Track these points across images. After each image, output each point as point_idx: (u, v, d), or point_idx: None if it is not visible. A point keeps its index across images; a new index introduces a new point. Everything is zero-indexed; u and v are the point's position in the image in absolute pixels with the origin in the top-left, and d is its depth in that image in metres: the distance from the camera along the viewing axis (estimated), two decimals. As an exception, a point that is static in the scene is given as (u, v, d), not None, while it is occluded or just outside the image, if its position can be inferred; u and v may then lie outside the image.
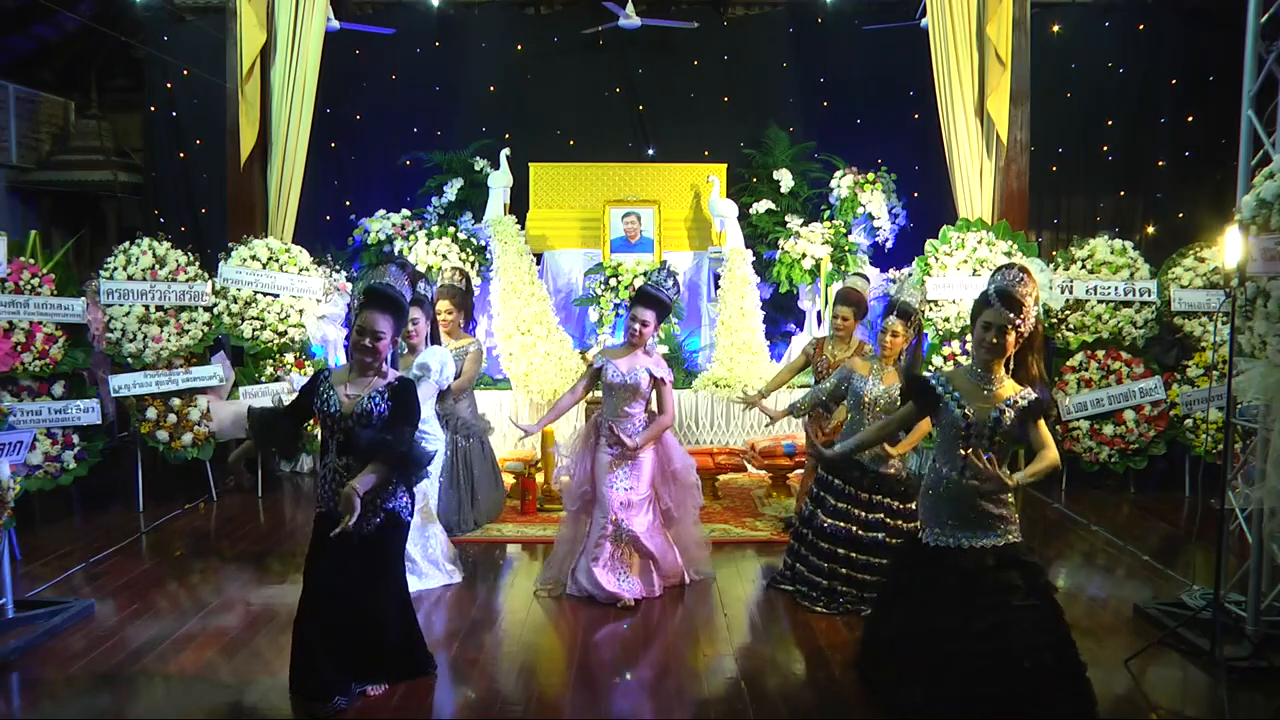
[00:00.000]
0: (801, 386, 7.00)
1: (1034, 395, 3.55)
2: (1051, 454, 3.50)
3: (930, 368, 6.69)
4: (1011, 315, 3.46)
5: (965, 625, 3.42)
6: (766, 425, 6.90)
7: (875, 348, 5.18)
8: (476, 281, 8.34)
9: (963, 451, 3.48)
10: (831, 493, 4.83)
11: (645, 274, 5.05)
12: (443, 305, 6.04)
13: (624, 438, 4.83)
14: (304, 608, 3.71)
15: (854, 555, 4.72)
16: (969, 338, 4.14)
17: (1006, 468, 3.60)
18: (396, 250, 8.39)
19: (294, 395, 4.12)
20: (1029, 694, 3.36)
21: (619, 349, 5.00)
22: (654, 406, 5.03)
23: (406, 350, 5.24)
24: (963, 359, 7.19)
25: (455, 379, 5.65)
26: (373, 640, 3.76)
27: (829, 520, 4.78)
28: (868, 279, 6.32)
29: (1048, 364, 7.50)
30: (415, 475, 3.78)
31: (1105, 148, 9.41)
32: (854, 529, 4.74)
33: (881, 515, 4.74)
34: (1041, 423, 3.58)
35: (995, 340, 3.48)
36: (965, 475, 3.50)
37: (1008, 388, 3.55)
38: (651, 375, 4.88)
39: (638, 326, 4.88)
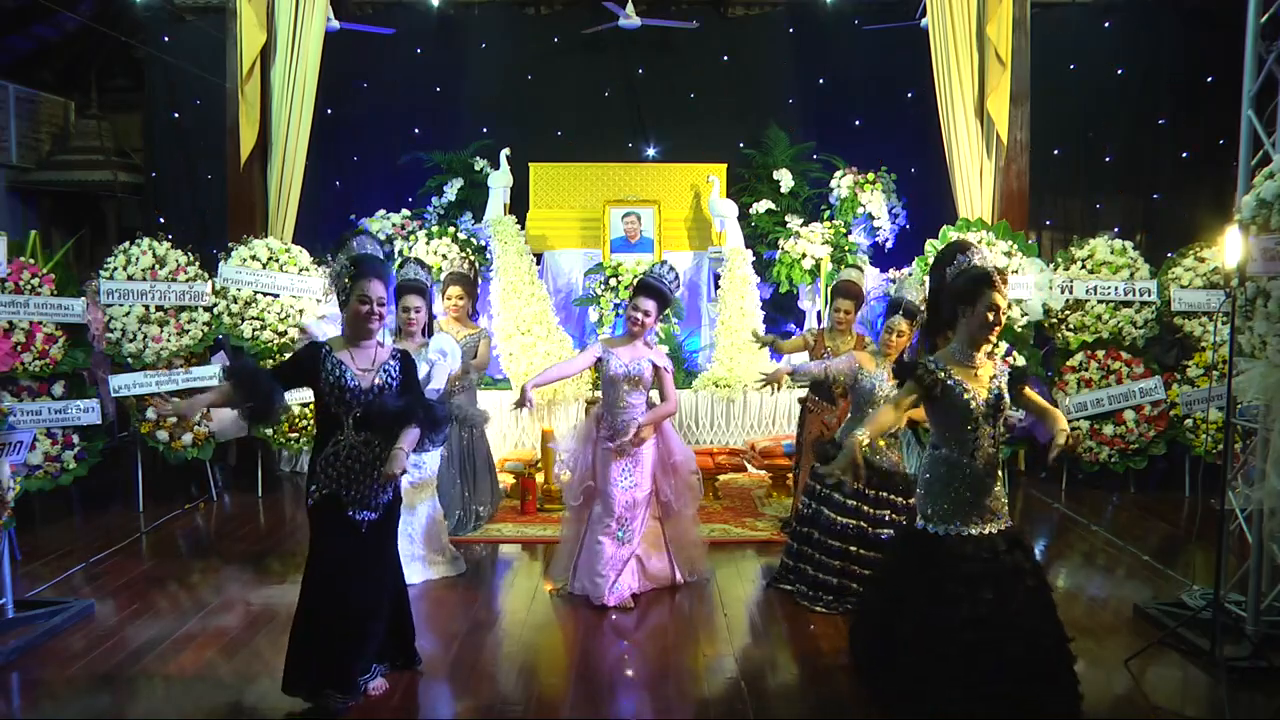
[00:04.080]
0: None
1: (1006, 366, 3.61)
2: (1058, 411, 3.66)
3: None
4: (1005, 293, 3.51)
5: (982, 614, 3.38)
6: (780, 389, 6.60)
7: (876, 344, 5.17)
8: (476, 282, 8.36)
9: (1060, 445, 3.44)
10: (840, 490, 4.79)
11: (654, 266, 5.04)
12: (455, 290, 6.12)
13: (631, 426, 4.82)
14: (315, 598, 3.66)
15: (864, 552, 4.70)
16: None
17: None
18: (397, 250, 8.39)
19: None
20: (1028, 679, 3.36)
21: (619, 339, 4.99)
22: (654, 398, 5.03)
23: (402, 337, 5.25)
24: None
25: (473, 361, 5.87)
26: (378, 622, 3.76)
27: (839, 518, 4.75)
28: (862, 270, 6.34)
29: (1047, 363, 7.51)
30: (440, 434, 3.83)
31: (1105, 148, 9.41)
32: (865, 526, 4.73)
33: (888, 512, 4.74)
34: (1028, 388, 3.64)
35: (1002, 319, 3.51)
36: (977, 461, 3.50)
37: (989, 365, 3.57)
38: (654, 365, 4.90)
39: (640, 316, 4.87)
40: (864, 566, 4.69)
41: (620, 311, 8.11)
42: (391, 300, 4.49)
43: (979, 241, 7.45)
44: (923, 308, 4.98)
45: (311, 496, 3.66)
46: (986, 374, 3.54)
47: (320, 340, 3.78)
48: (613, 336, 5.10)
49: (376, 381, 3.65)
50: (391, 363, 3.73)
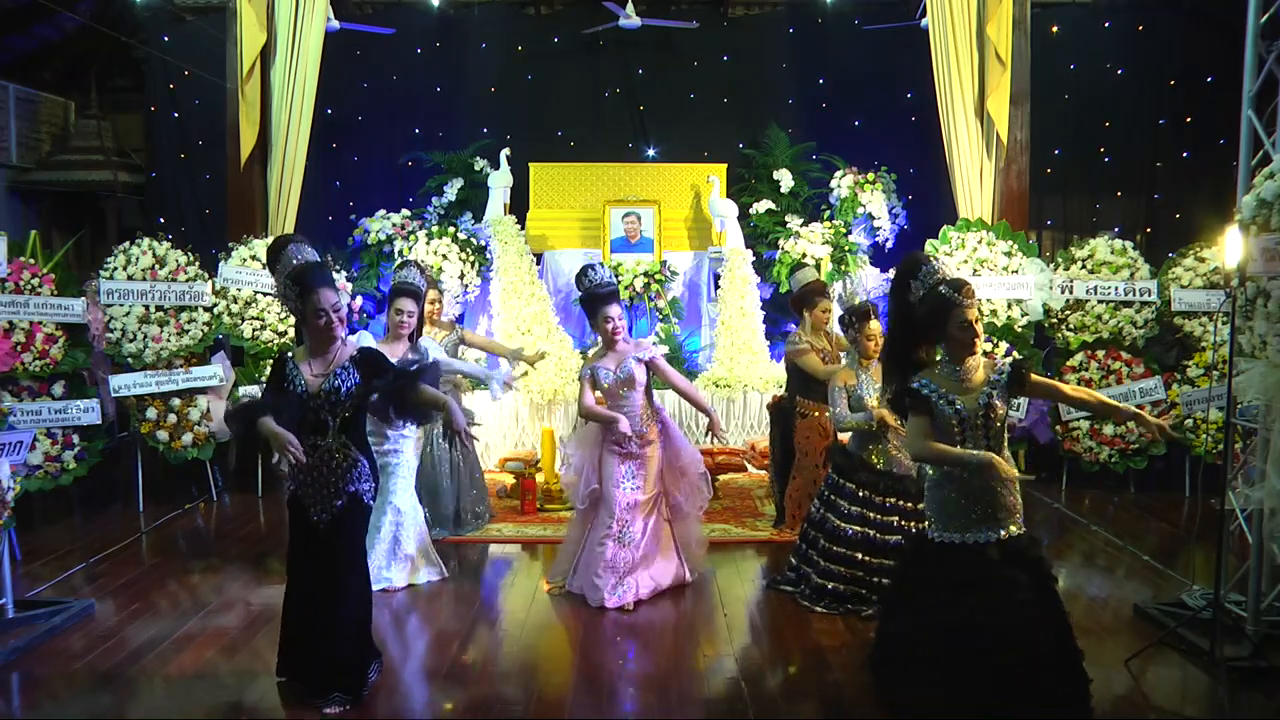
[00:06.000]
0: None
1: (1005, 364, 3.56)
2: (1074, 390, 3.75)
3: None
4: (974, 301, 3.49)
5: (969, 621, 3.38)
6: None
7: (849, 344, 5.24)
8: (476, 281, 8.38)
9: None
10: (844, 497, 4.79)
11: (579, 280, 5.00)
12: (433, 294, 6.15)
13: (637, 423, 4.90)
14: (286, 602, 3.73)
15: (870, 559, 4.67)
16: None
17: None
18: (397, 250, 8.40)
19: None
20: (1027, 689, 3.34)
21: (598, 353, 5.00)
22: (651, 394, 5.05)
23: (390, 339, 5.26)
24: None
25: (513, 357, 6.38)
26: (329, 643, 3.62)
27: (843, 525, 4.72)
28: (809, 266, 6.52)
29: (1047, 363, 7.52)
30: (436, 375, 3.92)
31: (1104, 148, 9.40)
32: (871, 532, 4.69)
33: (896, 518, 4.69)
34: (1035, 376, 3.60)
35: (977, 331, 3.50)
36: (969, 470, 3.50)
37: (982, 371, 3.55)
38: (642, 360, 4.93)
39: (615, 324, 4.90)
40: (869, 573, 4.65)
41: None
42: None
43: (980, 241, 7.45)
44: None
45: (289, 491, 3.74)
46: (978, 381, 3.52)
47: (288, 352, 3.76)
48: (593, 352, 5.09)
49: (327, 386, 3.59)
50: (347, 365, 3.63)
